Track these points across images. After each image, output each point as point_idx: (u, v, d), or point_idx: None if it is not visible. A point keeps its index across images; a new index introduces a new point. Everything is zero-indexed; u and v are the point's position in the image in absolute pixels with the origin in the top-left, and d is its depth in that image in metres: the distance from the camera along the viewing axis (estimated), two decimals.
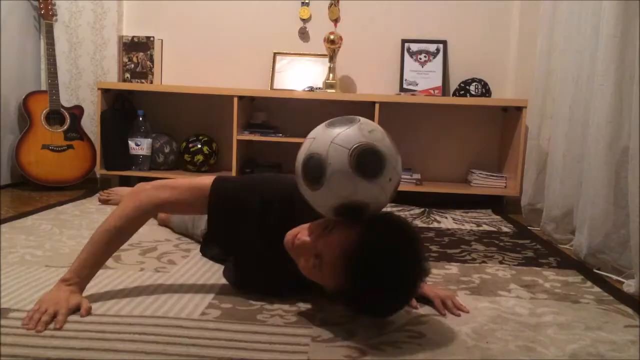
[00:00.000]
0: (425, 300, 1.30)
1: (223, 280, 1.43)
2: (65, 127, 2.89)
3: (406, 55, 2.98)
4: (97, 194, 2.73)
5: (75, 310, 1.16)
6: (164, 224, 2.03)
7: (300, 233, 1.12)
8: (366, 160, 1.02)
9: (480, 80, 2.86)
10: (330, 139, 1.04)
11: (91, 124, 3.02)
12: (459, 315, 1.25)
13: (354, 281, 1.02)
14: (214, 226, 1.31)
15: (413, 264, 1.06)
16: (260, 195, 1.27)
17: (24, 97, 2.83)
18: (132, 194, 1.27)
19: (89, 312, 1.16)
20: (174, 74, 3.11)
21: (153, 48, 3.04)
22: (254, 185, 1.31)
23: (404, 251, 1.04)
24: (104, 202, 2.49)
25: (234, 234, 1.29)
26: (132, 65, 3.06)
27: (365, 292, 1.03)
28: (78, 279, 1.21)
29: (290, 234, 1.14)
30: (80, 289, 1.22)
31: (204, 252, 1.69)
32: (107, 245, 1.24)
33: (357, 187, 1.03)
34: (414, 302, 1.28)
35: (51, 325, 1.09)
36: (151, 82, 3.05)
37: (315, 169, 1.04)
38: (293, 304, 1.27)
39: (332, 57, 2.87)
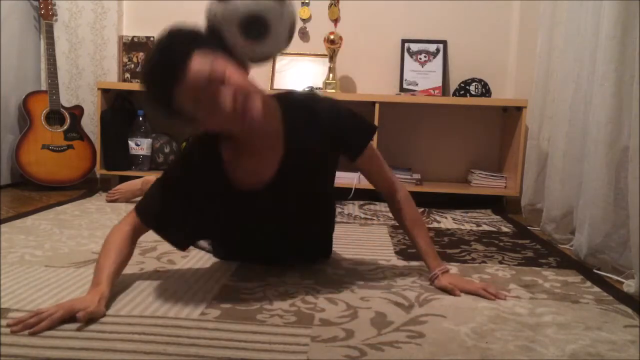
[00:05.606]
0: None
1: (223, 280, 1.43)
2: (65, 127, 2.89)
3: (406, 55, 2.98)
4: (97, 194, 2.74)
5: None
6: None
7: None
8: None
9: (480, 80, 2.86)
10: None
11: (91, 124, 3.02)
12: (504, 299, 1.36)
13: None
14: (175, 236, 1.38)
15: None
16: (169, 173, 1.36)
17: (24, 97, 2.83)
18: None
19: (84, 319, 1.10)
20: None
21: None
22: (160, 179, 1.35)
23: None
24: (112, 201, 2.54)
25: (197, 218, 1.34)
26: (132, 65, 3.06)
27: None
28: (96, 284, 1.21)
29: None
30: (100, 293, 1.18)
31: (215, 253, 1.66)
32: (105, 259, 1.27)
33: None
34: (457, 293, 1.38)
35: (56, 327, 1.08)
36: None
37: None
38: (293, 304, 1.27)
39: (332, 57, 2.87)
